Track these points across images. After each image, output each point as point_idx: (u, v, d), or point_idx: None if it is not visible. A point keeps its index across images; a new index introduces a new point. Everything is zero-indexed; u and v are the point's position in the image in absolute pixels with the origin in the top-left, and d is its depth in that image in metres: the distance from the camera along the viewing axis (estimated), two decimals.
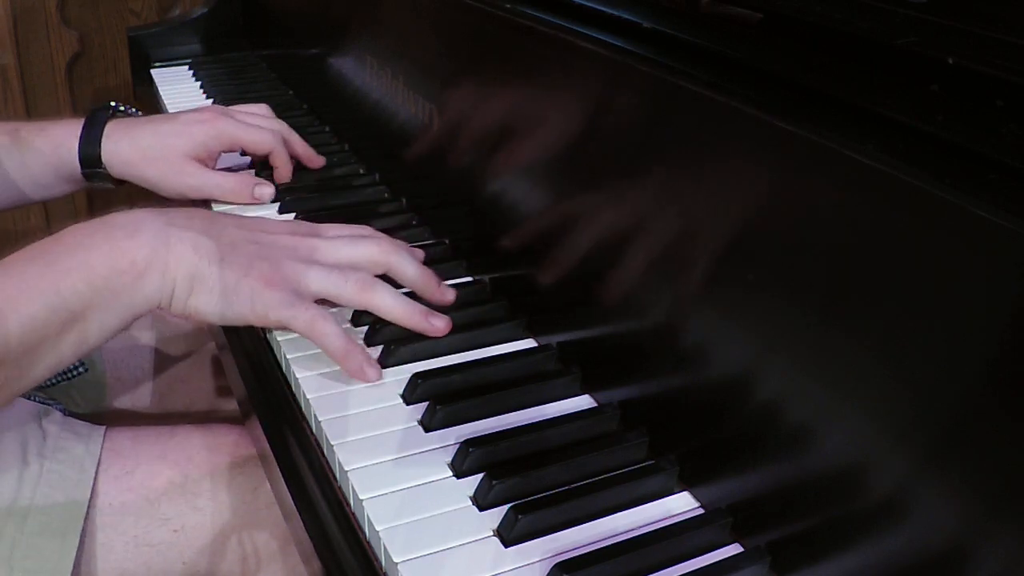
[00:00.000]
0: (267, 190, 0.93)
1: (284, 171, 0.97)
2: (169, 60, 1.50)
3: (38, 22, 1.61)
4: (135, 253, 0.65)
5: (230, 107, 0.99)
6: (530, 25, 0.70)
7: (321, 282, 0.70)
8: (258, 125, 0.94)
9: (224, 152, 0.96)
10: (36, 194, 0.93)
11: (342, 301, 0.72)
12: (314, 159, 0.99)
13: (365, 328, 0.74)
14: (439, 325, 0.71)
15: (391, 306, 0.71)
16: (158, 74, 1.44)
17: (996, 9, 0.50)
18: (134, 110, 1.00)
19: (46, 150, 0.90)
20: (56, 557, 0.74)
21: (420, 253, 0.79)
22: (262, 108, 1.01)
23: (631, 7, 0.66)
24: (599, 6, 0.68)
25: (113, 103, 0.97)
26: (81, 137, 0.89)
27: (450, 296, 0.75)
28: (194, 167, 0.91)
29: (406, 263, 0.74)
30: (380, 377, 0.68)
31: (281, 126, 0.97)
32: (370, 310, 0.71)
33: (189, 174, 0.91)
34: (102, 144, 0.89)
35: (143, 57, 1.50)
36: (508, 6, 0.73)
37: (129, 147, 0.89)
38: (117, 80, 1.75)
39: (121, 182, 0.93)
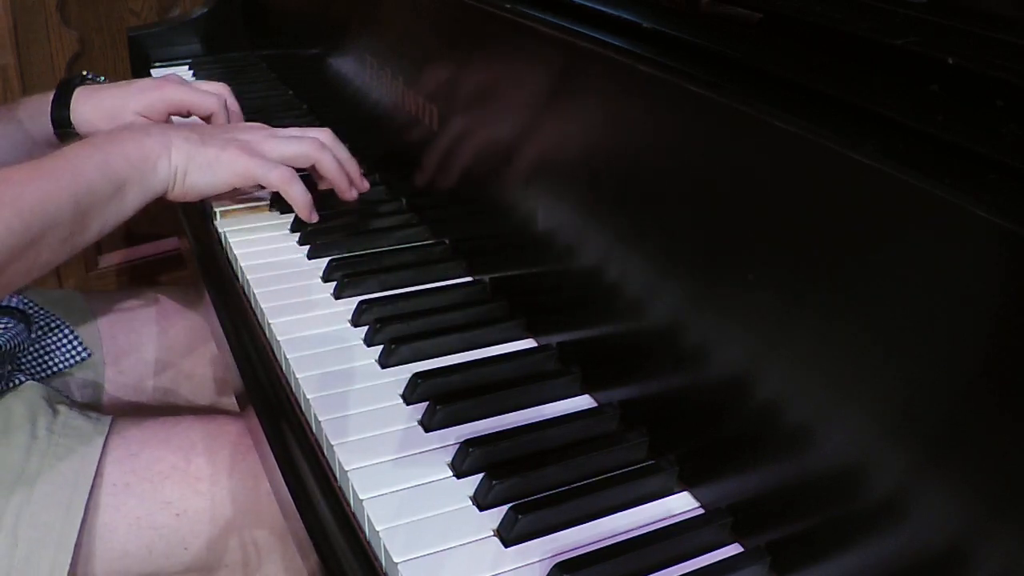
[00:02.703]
0: None
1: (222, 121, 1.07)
2: (169, 60, 1.51)
3: (38, 22, 1.60)
4: (151, 146, 0.84)
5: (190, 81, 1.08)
6: (530, 25, 0.70)
7: (282, 147, 0.89)
8: (205, 91, 1.04)
9: (173, 114, 1.04)
10: (23, 159, 0.99)
11: (297, 159, 0.90)
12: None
13: (365, 329, 0.75)
14: (355, 194, 0.93)
15: (329, 167, 0.91)
16: (158, 74, 1.44)
17: (996, 9, 0.50)
18: (101, 78, 1.08)
19: (24, 119, 1.00)
20: (60, 527, 0.76)
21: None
22: (217, 86, 1.08)
23: (631, 7, 0.66)
24: (599, 6, 0.68)
25: (84, 72, 1.06)
26: (52, 103, 0.99)
27: (365, 185, 0.95)
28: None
29: (340, 149, 0.93)
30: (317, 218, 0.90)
31: (225, 90, 1.07)
32: (316, 165, 0.91)
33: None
34: (71, 107, 0.99)
35: (143, 57, 1.51)
36: (508, 6, 0.73)
37: (92, 109, 1.00)
38: (117, 80, 1.74)
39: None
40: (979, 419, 0.40)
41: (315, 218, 0.90)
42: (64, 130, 0.99)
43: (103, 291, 1.15)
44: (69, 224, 0.76)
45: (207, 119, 1.04)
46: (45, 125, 0.99)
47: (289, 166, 0.89)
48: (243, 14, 1.55)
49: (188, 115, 1.06)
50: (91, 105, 1.00)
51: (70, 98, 1.00)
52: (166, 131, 0.86)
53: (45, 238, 0.74)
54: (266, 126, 0.95)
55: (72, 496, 0.78)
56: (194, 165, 0.85)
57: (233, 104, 1.07)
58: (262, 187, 0.92)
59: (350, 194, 0.93)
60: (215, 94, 1.04)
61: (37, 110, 0.99)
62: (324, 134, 0.93)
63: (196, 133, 0.87)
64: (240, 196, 0.97)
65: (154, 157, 0.83)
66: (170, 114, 1.04)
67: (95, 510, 0.79)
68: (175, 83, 1.03)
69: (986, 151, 0.41)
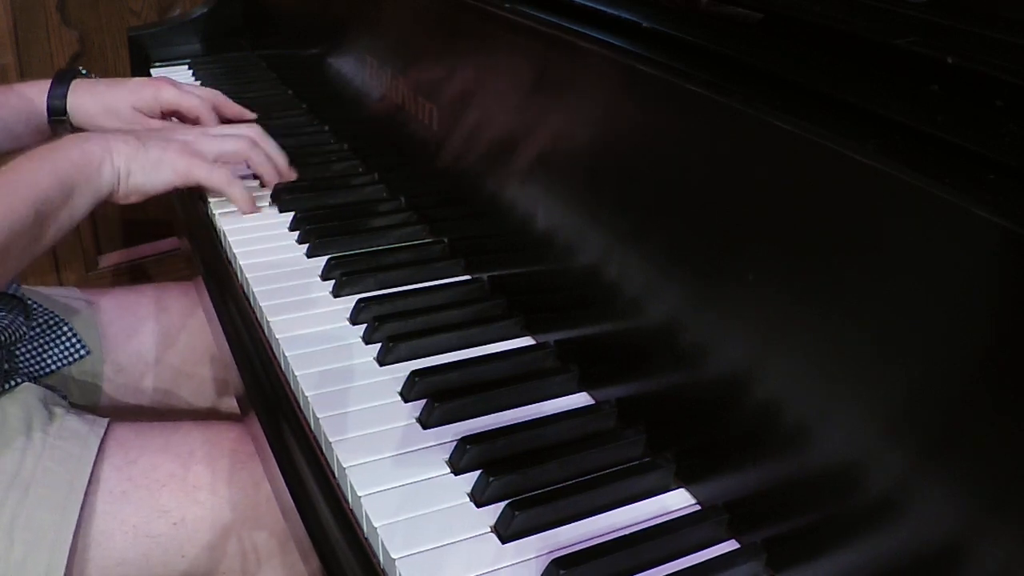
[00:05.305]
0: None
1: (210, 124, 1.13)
2: (169, 60, 1.51)
3: (38, 22, 1.60)
4: (93, 151, 0.87)
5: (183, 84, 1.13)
6: (529, 24, 0.70)
7: (218, 145, 0.96)
8: (194, 93, 1.09)
9: (164, 114, 1.09)
10: (9, 144, 1.05)
11: (233, 156, 0.97)
12: (246, 115, 1.14)
13: (364, 327, 0.75)
14: (285, 177, 1.00)
15: (260, 162, 0.98)
16: (158, 74, 1.44)
17: (996, 9, 0.50)
18: (94, 75, 1.11)
19: (19, 104, 1.03)
20: (56, 529, 0.75)
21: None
22: (206, 91, 1.13)
23: (631, 6, 0.67)
24: (599, 6, 0.68)
25: (80, 69, 1.10)
26: (49, 92, 1.04)
27: (292, 175, 1.01)
28: (140, 118, 1.06)
29: (270, 144, 1.00)
30: (258, 210, 0.97)
31: (214, 95, 1.12)
32: (248, 161, 0.98)
33: (136, 123, 1.06)
34: (68, 98, 1.04)
35: (143, 57, 1.51)
36: (507, 5, 0.73)
37: (91, 101, 1.05)
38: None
39: (80, 131, 1.05)
40: (978, 418, 0.40)
41: (256, 210, 0.96)
42: (58, 119, 1.03)
43: (103, 288, 1.15)
44: (29, 234, 0.78)
45: (195, 122, 1.09)
46: (39, 112, 1.03)
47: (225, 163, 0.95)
48: (243, 14, 1.55)
49: (175, 116, 1.10)
50: (89, 98, 1.04)
51: (66, 90, 1.04)
52: (106, 136, 0.90)
53: (10, 250, 0.76)
54: (197, 127, 1.02)
55: (68, 498, 0.77)
56: (136, 166, 0.88)
57: (231, 109, 1.12)
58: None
59: (274, 181, 1.00)
60: (203, 98, 1.09)
61: (33, 96, 1.03)
62: (253, 130, 0.99)
63: (135, 136, 0.91)
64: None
65: (97, 161, 0.86)
66: (162, 113, 1.08)
67: (92, 517, 0.79)
68: (168, 83, 1.08)
69: (986, 151, 0.42)
